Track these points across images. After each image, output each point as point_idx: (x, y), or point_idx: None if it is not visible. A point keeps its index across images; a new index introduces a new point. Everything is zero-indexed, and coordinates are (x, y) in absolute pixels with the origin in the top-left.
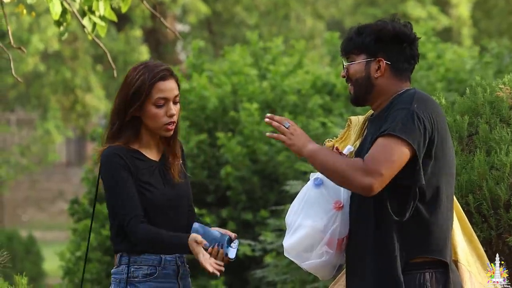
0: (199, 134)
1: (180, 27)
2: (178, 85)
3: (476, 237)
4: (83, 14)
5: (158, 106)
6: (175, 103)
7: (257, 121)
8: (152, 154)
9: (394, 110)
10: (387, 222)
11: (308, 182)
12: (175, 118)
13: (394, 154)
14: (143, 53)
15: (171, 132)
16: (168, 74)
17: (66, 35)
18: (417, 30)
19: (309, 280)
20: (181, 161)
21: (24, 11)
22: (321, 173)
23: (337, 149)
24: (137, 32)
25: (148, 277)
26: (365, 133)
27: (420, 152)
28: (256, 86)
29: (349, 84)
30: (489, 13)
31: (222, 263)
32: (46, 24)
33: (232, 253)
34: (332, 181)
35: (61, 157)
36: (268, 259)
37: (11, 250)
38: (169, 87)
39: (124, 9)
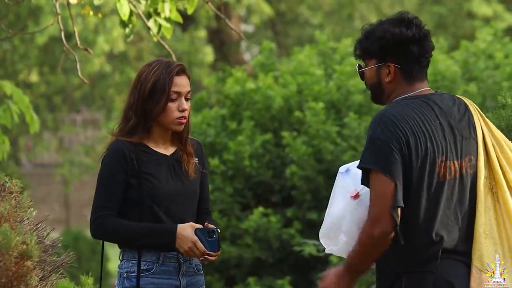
0: (264, 133)
1: (244, 27)
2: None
3: None
4: (149, 16)
5: (171, 100)
6: (186, 99)
7: (322, 120)
8: (161, 149)
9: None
10: None
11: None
12: (186, 113)
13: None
14: (208, 54)
15: (182, 127)
16: (182, 70)
17: (132, 36)
18: (486, 31)
19: (374, 280)
20: (196, 160)
21: (91, 12)
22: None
23: None
24: (202, 33)
25: (144, 272)
26: None
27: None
28: (322, 86)
29: (367, 86)
30: None
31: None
32: (112, 25)
33: (212, 245)
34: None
35: None
36: (333, 259)
37: (77, 250)
38: (183, 82)
39: (190, 11)
